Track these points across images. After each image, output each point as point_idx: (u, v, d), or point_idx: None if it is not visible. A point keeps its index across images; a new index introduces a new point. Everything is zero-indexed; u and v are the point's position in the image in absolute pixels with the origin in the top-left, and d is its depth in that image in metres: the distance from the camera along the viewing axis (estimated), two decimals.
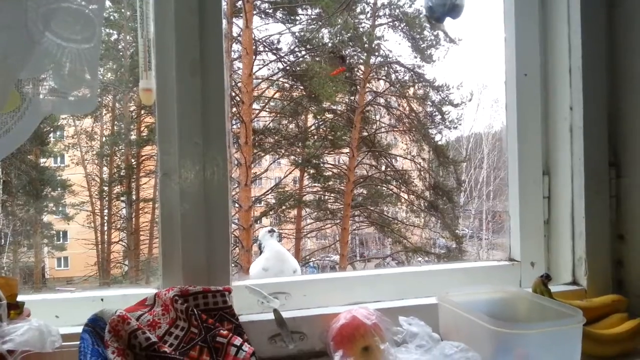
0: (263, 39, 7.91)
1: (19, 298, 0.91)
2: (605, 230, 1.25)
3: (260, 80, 7.91)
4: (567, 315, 0.96)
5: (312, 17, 8.16)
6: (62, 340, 0.86)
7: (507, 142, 1.35)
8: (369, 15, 8.27)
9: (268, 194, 8.42)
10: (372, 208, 8.64)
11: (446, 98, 8.44)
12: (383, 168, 8.76)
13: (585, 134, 1.22)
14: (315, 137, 8.56)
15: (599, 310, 1.12)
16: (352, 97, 8.38)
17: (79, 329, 0.89)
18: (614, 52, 1.25)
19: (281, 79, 8.20)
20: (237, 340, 0.95)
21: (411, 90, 8.63)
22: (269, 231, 2.48)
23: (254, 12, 7.64)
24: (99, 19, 0.76)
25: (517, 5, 1.29)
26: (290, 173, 8.59)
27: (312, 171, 8.53)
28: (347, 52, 8.04)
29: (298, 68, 8.10)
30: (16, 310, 0.89)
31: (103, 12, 0.77)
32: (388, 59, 8.33)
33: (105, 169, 7.39)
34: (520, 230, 1.30)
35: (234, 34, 7.39)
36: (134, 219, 7.28)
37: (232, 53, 7.43)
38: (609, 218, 1.25)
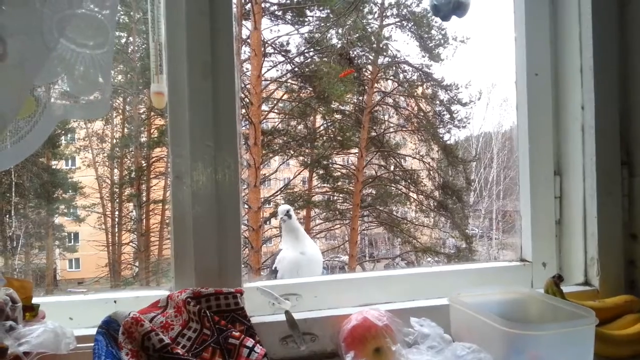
0: (272, 40, 7.93)
1: (34, 300, 0.92)
2: (618, 230, 1.24)
3: (269, 82, 7.93)
4: (579, 316, 0.96)
5: (321, 17, 8.16)
6: (76, 342, 0.87)
7: (518, 141, 1.34)
8: (376, 15, 8.26)
9: (277, 195, 8.42)
10: (381, 208, 8.62)
11: (455, 97, 8.41)
12: (392, 168, 8.73)
13: (597, 134, 1.22)
14: (324, 137, 8.56)
15: (611, 311, 1.11)
16: (361, 98, 8.37)
17: (93, 331, 0.90)
18: (625, 51, 1.25)
19: (290, 80, 8.21)
20: (249, 342, 0.96)
21: (419, 90, 8.60)
22: (286, 214, 2.41)
23: (263, 14, 7.66)
24: (111, 24, 0.77)
25: (527, 5, 1.29)
26: (299, 174, 8.60)
27: (321, 172, 8.53)
28: (355, 53, 8.04)
29: (307, 69, 8.10)
30: (31, 312, 0.90)
31: (115, 17, 0.78)
32: (396, 59, 8.31)
33: (115, 171, 7.43)
34: (532, 230, 1.29)
35: (243, 36, 7.42)
36: (144, 220, 7.32)
37: (241, 55, 7.45)
38: (621, 218, 1.24)
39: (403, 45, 10.42)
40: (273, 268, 2.40)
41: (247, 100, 7.27)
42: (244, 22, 7.47)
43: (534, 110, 1.30)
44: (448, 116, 8.49)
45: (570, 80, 1.28)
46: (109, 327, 0.91)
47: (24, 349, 0.77)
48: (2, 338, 0.76)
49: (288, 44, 8.05)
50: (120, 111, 7.18)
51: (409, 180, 8.62)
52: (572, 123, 1.28)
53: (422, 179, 8.60)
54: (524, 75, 1.30)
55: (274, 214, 8.10)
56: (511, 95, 1.37)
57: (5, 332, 0.77)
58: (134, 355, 0.86)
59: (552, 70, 1.30)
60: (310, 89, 8.11)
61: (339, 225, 8.79)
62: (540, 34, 1.29)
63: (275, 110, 8.31)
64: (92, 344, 0.87)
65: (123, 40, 6.69)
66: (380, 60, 8.34)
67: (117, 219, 7.33)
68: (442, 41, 8.27)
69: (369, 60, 8.31)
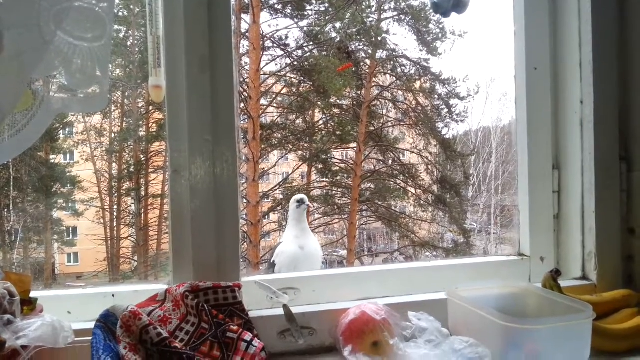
0: (270, 34, 7.91)
1: (32, 294, 0.92)
2: (616, 225, 1.24)
3: (267, 76, 7.91)
4: (576, 310, 0.96)
5: (320, 11, 8.14)
6: (74, 335, 0.87)
7: (517, 136, 1.34)
8: (374, 9, 8.23)
9: (276, 189, 8.42)
10: (379, 203, 8.63)
11: (453, 91, 8.40)
12: (390, 162, 8.73)
13: (595, 128, 1.22)
14: (323, 132, 8.55)
15: (609, 305, 1.11)
16: (359, 92, 8.35)
17: (91, 325, 0.90)
18: (625, 46, 1.24)
19: (289, 74, 8.19)
20: (247, 336, 0.96)
21: (417, 84, 8.59)
22: (298, 201, 2.44)
23: (262, 8, 7.63)
24: (109, 17, 0.76)
25: None
26: (298, 168, 8.60)
27: (319, 166, 8.53)
28: (353, 47, 8.02)
29: (306, 63, 8.08)
30: (29, 306, 0.90)
31: (113, 10, 0.78)
32: (394, 53, 8.29)
33: (114, 165, 7.42)
34: (530, 225, 1.30)
35: (242, 30, 7.39)
36: (143, 214, 7.32)
37: (240, 49, 7.43)
38: (619, 212, 1.24)
39: (401, 39, 10.40)
40: (271, 261, 2.40)
41: (246, 95, 7.26)
42: (242, 15, 7.45)
43: (533, 104, 1.29)
44: (446, 110, 8.49)
45: (570, 75, 1.27)
46: (107, 320, 0.91)
47: (22, 342, 0.77)
48: (0, 332, 0.76)
49: (287, 37, 8.03)
50: (118, 105, 7.16)
51: (407, 175, 8.62)
52: (571, 117, 1.28)
53: (420, 173, 8.61)
54: (523, 69, 1.29)
55: (273, 209, 8.12)
56: (510, 89, 1.37)
57: (3, 326, 0.77)
58: (132, 349, 0.86)
59: (552, 64, 1.30)
60: (310, 83, 8.10)
61: (337, 220, 8.79)
62: (539, 28, 1.29)
63: (274, 105, 8.29)
64: (90, 338, 0.87)
65: (122, 34, 6.66)
66: (379, 54, 8.33)
67: (115, 213, 7.33)
68: (440, 35, 8.25)
69: (367, 55, 8.30)
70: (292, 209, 2.46)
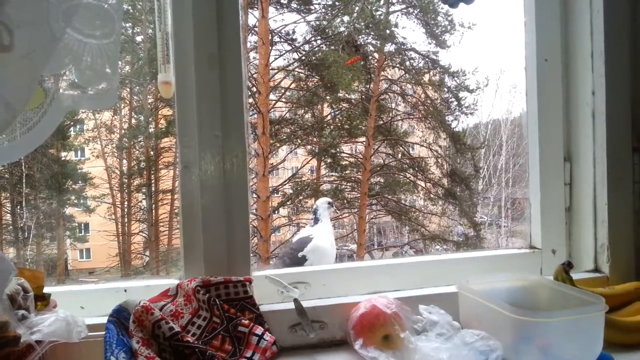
0: (278, 29, 7.90)
1: (45, 290, 0.93)
2: (628, 217, 1.23)
3: (276, 71, 7.91)
4: (589, 303, 0.95)
5: (328, 4, 8.11)
6: (87, 330, 0.88)
7: (528, 128, 1.33)
8: (382, 2, 8.18)
9: (285, 184, 8.43)
10: (389, 196, 8.61)
11: (462, 84, 8.35)
12: (399, 156, 8.70)
13: (607, 120, 1.20)
14: (332, 126, 8.54)
15: (621, 298, 1.11)
16: (368, 86, 8.32)
17: (104, 320, 0.91)
18: (637, 35, 1.23)
19: (297, 69, 8.17)
20: (259, 330, 0.97)
21: (426, 77, 8.54)
22: (329, 203, 2.56)
23: (270, 3, 7.62)
24: (118, 13, 0.76)
25: None
26: (307, 163, 8.59)
27: (329, 160, 8.52)
28: (361, 41, 7.98)
29: (314, 57, 8.06)
30: (43, 301, 0.91)
31: (122, 6, 0.78)
32: (403, 46, 8.25)
33: (124, 161, 7.47)
34: (541, 217, 1.29)
35: (250, 25, 7.39)
36: (153, 210, 7.37)
37: (248, 43, 7.43)
38: (631, 204, 1.23)
39: (409, 32, 10.32)
40: (299, 256, 2.38)
41: (255, 90, 7.26)
42: (250, 10, 7.44)
43: (544, 96, 1.28)
44: (455, 103, 8.44)
45: (581, 66, 1.26)
46: (120, 315, 0.92)
47: (36, 337, 0.78)
48: (15, 327, 0.77)
49: (294, 32, 8.01)
50: (128, 101, 7.20)
51: (416, 168, 8.59)
52: (582, 109, 1.26)
53: (430, 166, 8.57)
54: (534, 60, 1.28)
55: (283, 203, 8.13)
56: (520, 81, 1.36)
57: (18, 321, 0.78)
58: (144, 343, 0.87)
59: (563, 55, 1.29)
60: (318, 77, 8.08)
61: (347, 214, 8.79)
62: (550, 19, 1.28)
63: (283, 100, 8.29)
64: (103, 333, 0.88)
65: (130, 31, 6.68)
66: (387, 47, 8.28)
67: (126, 209, 7.38)
68: (448, 27, 8.19)
69: (376, 48, 8.26)
70: (323, 208, 2.56)
